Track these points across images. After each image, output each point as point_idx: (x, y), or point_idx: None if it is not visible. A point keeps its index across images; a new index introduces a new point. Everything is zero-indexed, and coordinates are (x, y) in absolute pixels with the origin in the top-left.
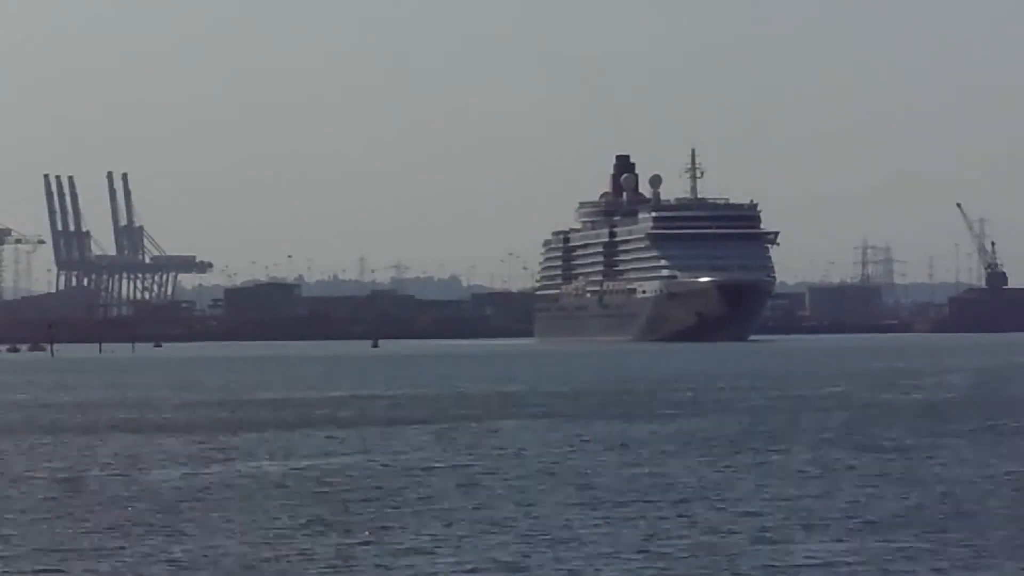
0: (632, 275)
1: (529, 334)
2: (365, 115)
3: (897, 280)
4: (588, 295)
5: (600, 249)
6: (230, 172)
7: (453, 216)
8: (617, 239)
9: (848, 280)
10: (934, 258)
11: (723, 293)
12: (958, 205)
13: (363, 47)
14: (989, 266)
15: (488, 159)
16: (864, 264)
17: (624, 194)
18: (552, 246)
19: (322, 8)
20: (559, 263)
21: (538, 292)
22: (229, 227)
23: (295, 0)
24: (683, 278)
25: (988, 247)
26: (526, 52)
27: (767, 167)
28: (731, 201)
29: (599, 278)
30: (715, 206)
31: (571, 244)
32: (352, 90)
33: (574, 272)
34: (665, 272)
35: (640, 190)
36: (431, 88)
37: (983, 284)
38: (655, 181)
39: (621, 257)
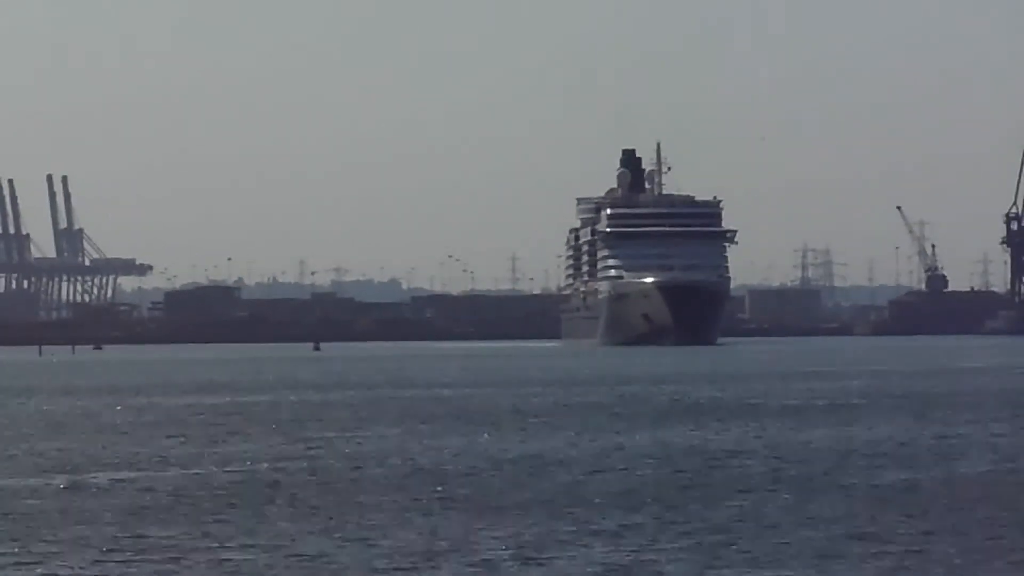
0: (600, 275)
1: (468, 337)
2: (305, 118)
3: (837, 283)
4: (580, 295)
5: (586, 248)
6: (170, 175)
7: (393, 219)
8: (595, 237)
9: (788, 283)
10: (874, 261)
11: (666, 294)
12: (898, 208)
13: (304, 49)
14: (929, 269)
15: (437, 162)
16: (804, 267)
17: (619, 190)
18: (569, 244)
19: (262, 10)
20: (571, 262)
21: (563, 292)
22: (169, 230)
23: (240, 2)
24: (629, 279)
25: (928, 250)
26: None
27: (721, 165)
28: (695, 198)
29: (586, 278)
30: (672, 203)
31: (579, 242)
32: (292, 94)
33: (580, 271)
34: (613, 272)
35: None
36: (369, 94)
37: (923, 287)
38: (651, 176)
39: (596, 256)
